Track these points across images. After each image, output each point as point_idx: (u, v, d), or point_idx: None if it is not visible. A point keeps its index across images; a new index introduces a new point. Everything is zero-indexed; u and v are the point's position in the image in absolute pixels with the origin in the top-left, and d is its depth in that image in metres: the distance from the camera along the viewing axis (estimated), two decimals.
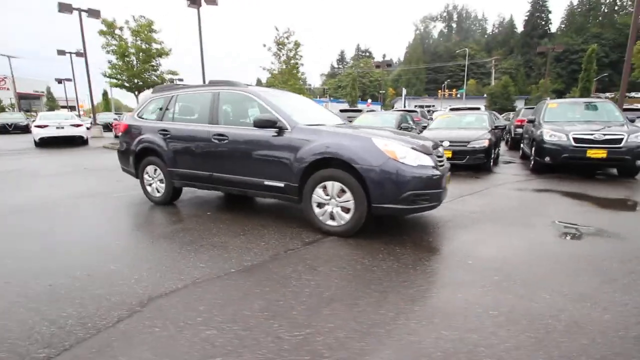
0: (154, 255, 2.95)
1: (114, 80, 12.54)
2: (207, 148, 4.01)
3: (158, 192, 4.65)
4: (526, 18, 75.10)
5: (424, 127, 10.18)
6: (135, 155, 4.69)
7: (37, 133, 12.84)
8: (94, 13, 15.27)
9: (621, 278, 2.50)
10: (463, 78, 56.30)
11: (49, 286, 2.41)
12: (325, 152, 3.23)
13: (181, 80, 21.79)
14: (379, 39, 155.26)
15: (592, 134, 6.30)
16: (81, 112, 34.49)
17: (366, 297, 2.23)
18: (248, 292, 2.30)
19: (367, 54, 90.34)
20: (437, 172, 3.22)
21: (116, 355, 1.69)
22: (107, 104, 43.86)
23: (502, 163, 8.85)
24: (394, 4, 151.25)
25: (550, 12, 73.68)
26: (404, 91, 33.06)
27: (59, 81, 36.95)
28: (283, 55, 17.83)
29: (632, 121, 7.35)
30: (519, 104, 46.75)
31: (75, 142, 13.73)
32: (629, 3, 65.50)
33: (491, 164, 7.65)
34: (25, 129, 21.43)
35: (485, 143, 7.23)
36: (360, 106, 27.96)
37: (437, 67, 72.72)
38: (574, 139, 6.39)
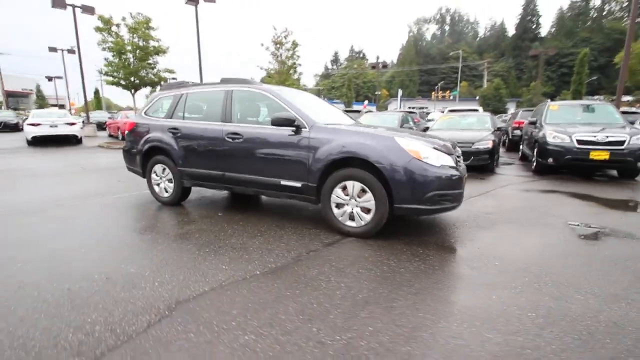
0: (172, 257, 2.86)
1: (110, 78, 12.28)
2: (220, 147, 3.92)
3: (166, 192, 4.54)
4: (517, 22, 76.30)
5: (426, 129, 10.21)
6: (143, 154, 4.58)
7: (30, 131, 12.51)
8: (88, 9, 14.97)
9: None
10: (455, 80, 56.88)
11: (68, 290, 2.30)
12: (346, 151, 3.18)
13: (174, 79, 21.51)
14: (373, 41, 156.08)
15: (594, 136, 6.37)
16: (72, 111, 33.78)
17: (401, 300, 2.19)
18: (279, 295, 2.23)
19: (361, 55, 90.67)
20: (459, 173, 3.20)
21: None
22: (98, 102, 43.12)
23: (502, 164, 8.91)
24: (388, 5, 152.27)
25: (540, 16, 75.04)
26: (400, 92, 33.17)
27: (49, 79, 36.18)
28: (281, 55, 17.75)
29: (632, 123, 7.47)
30: (511, 106, 47.45)
31: (68, 141, 13.42)
32: (617, 9, 67.11)
33: (494, 165, 7.70)
34: (15, 128, 20.90)
35: (490, 144, 7.26)
36: (355, 107, 28.01)
37: (430, 69, 73.32)
38: (577, 140, 6.45)
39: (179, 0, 13.88)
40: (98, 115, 24.61)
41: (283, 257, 2.83)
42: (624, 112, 11.65)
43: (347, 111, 16.36)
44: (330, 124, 3.55)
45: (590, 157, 6.32)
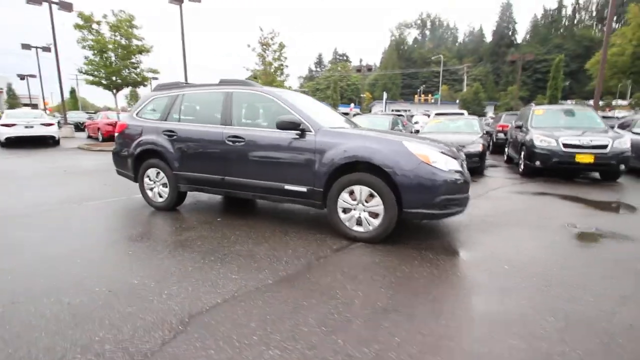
0: (176, 266, 2.72)
1: (91, 78, 11.78)
2: (220, 150, 3.80)
3: (160, 197, 4.36)
4: (495, 28, 78.92)
5: (417, 131, 10.33)
6: (135, 157, 4.38)
7: (3, 132, 11.82)
8: (65, 6, 14.37)
9: None
10: (436, 84, 58.15)
11: (67, 304, 2.15)
12: (355, 155, 3.13)
13: (156, 79, 20.91)
14: (356, 44, 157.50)
15: (580, 140, 6.62)
16: (46, 111, 32.28)
17: (420, 307, 2.16)
18: (296, 305, 2.15)
19: (344, 57, 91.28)
20: (465, 177, 3.22)
21: None
22: (75, 102, 41.36)
23: (489, 167, 9.12)
24: (371, 9, 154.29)
25: (516, 23, 77.93)
26: (385, 95, 33.56)
27: (22, 77, 34.44)
28: (268, 56, 17.58)
29: (612, 127, 7.81)
30: (489, 110, 48.97)
31: (45, 142, 12.79)
32: (587, 17, 70.53)
33: (484, 167, 7.86)
34: None
35: (480, 147, 7.41)
36: (341, 109, 28.11)
37: (411, 73, 74.65)
38: (564, 144, 6.68)
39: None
40: (76, 116, 23.58)
41: (293, 265, 2.76)
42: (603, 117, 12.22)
43: None
44: (335, 128, 3.50)
45: (576, 160, 6.55)
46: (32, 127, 12.07)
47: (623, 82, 30.63)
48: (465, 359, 1.70)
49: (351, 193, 3.24)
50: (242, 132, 3.70)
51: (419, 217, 3.11)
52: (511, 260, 2.88)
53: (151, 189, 4.42)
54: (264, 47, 17.38)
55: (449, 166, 3.09)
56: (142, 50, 12.21)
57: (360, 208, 3.22)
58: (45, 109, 28.94)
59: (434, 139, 4.00)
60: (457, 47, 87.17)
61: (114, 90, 12.57)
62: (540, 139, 6.99)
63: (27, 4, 13.18)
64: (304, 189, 3.42)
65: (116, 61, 11.85)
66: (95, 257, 2.96)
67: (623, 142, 6.49)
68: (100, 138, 14.67)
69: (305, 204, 3.53)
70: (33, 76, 29.45)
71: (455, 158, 3.25)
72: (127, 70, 12.23)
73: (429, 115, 25.83)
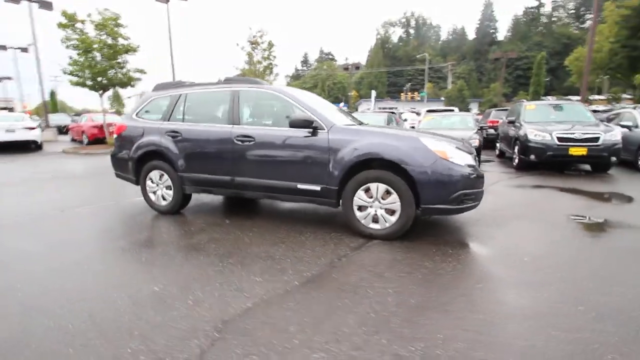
0: (196, 271, 2.64)
1: (75, 78, 11.35)
2: (228, 150, 3.70)
3: (164, 199, 4.23)
4: (477, 26, 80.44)
5: (412, 127, 10.40)
6: (137, 159, 4.23)
7: None
8: (45, 5, 13.85)
9: None
10: (421, 81, 58.86)
11: (89, 316, 2.04)
12: (371, 152, 3.11)
13: (139, 80, 20.37)
14: (342, 42, 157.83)
15: (573, 133, 6.79)
16: (26, 114, 30.96)
17: (454, 303, 2.15)
18: (330, 306, 2.11)
19: (330, 56, 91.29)
20: (480, 172, 3.24)
21: None
22: (54, 104, 39.88)
23: (483, 162, 9.27)
24: (356, 8, 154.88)
25: (497, 21, 79.66)
26: (374, 93, 33.74)
27: None
28: (257, 55, 17.41)
29: (602, 121, 8.06)
30: (473, 107, 49.92)
31: (27, 147, 12.28)
32: (564, 15, 72.73)
33: (479, 162, 7.99)
34: None
35: (477, 142, 7.50)
36: None
37: (397, 71, 75.33)
38: (558, 138, 6.84)
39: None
40: (58, 119, 22.66)
41: (316, 265, 2.71)
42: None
43: None
44: (349, 125, 3.47)
45: (570, 153, 6.73)
46: (13, 131, 11.56)
47: (601, 77, 31.76)
48: (512, 353, 1.69)
49: (367, 190, 3.21)
50: (252, 131, 3.62)
51: (436, 213, 3.12)
52: (531, 254, 2.91)
53: (154, 192, 4.28)
54: (253, 45, 17.21)
55: (465, 161, 3.10)
56: (128, 50, 11.84)
57: (377, 205, 3.20)
58: (24, 112, 27.78)
59: (442, 134, 4.01)
60: (440, 45, 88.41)
61: (100, 91, 12.16)
62: (535, 134, 7.13)
63: (6, 2, 12.61)
64: (317, 187, 3.37)
65: (102, 61, 11.46)
66: (106, 265, 2.83)
67: (614, 135, 6.70)
68: (86, 141, 14.20)
69: (319, 202, 3.49)
70: (9, 78, 28.25)
71: (469, 153, 3.27)
72: (113, 70, 11.85)
73: (417, 113, 26.12)
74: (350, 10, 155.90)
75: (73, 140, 16.40)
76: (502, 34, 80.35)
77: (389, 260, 2.80)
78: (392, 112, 13.69)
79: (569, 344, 1.76)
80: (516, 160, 7.84)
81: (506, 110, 12.31)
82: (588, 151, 6.65)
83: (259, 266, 2.69)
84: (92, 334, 1.86)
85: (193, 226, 3.79)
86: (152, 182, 4.26)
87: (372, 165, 3.20)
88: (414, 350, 1.70)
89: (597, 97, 40.64)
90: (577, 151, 6.71)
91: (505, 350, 1.71)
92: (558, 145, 6.81)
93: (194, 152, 3.92)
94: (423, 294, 2.25)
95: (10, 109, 33.78)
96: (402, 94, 53.17)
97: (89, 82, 11.64)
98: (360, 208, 3.28)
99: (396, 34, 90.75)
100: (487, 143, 13.11)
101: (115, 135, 4.56)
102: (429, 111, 13.39)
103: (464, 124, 8.98)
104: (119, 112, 37.50)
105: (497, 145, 10.46)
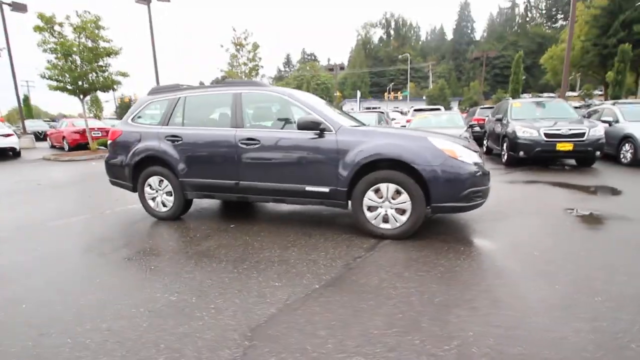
0: (211, 278, 2.57)
1: (55, 83, 10.88)
2: (232, 154, 3.63)
3: (164, 206, 4.11)
4: (455, 27, 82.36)
5: (402, 127, 10.51)
6: (134, 165, 4.10)
7: None
8: (19, 7, 13.28)
9: None
10: (403, 81, 59.83)
11: (108, 331, 1.95)
12: (381, 153, 3.11)
13: (120, 84, 19.81)
14: (324, 44, 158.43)
15: (559, 129, 7.03)
16: None
17: (477, 300, 2.17)
18: (356, 308, 2.09)
19: (313, 57, 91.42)
20: (486, 169, 3.30)
21: None
22: (29, 110, 38.19)
23: None
24: (336, 9, 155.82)
25: (474, 21, 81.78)
26: (359, 93, 34.05)
27: None
28: (242, 56, 17.20)
29: (585, 117, 8.38)
30: (454, 105, 51.09)
31: (4, 155, 11.72)
32: (537, 15, 75.40)
33: None
34: None
35: None
36: None
37: (379, 72, 76.21)
38: (545, 134, 7.07)
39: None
40: (34, 125, 21.71)
41: (332, 267, 2.69)
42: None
43: None
44: (356, 126, 3.46)
45: (557, 148, 6.97)
46: None
47: (573, 75, 33.06)
48: (547, 347, 1.72)
49: (377, 191, 3.22)
50: (257, 134, 3.56)
51: (446, 211, 3.15)
52: (539, 248, 2.98)
53: (153, 199, 4.15)
54: (238, 47, 17.00)
55: (472, 159, 3.15)
56: (110, 53, 11.46)
57: (387, 205, 3.21)
58: None
59: (443, 133, 4.06)
60: (420, 46, 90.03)
61: (81, 96, 11.72)
62: (523, 130, 7.35)
63: None
64: (326, 189, 3.35)
65: (82, 64, 11.05)
66: (113, 276, 2.72)
67: (598, 130, 6.98)
68: (67, 147, 13.68)
69: (328, 204, 3.47)
70: None
71: (475, 151, 3.33)
72: (94, 74, 11.44)
73: (401, 112, 26.46)
74: (330, 11, 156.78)
75: (52, 146, 15.78)
76: (479, 34, 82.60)
77: (404, 259, 2.81)
78: (381, 112, 13.85)
79: (595, 334, 1.80)
80: (505, 157, 8.05)
81: (491, 108, 12.61)
82: (574, 146, 6.90)
83: (275, 270, 2.65)
84: (115, 349, 1.78)
85: (197, 232, 3.69)
86: (151, 188, 4.13)
87: (380, 166, 3.21)
88: (448, 349, 1.70)
89: (571, 93, 42.36)
90: (564, 147, 6.95)
91: (539, 345, 1.74)
92: (546, 141, 7.04)
93: (195, 157, 3.83)
94: (445, 292, 2.27)
95: None
96: (385, 93, 53.77)
97: (69, 87, 11.19)
98: (370, 208, 3.28)
99: (377, 34, 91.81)
100: (474, 140, 13.50)
101: (109, 141, 4.39)
102: (416, 110, 13.59)
103: (454, 122, 9.16)
104: (97, 117, 36.33)
105: (485, 142, 10.71)
